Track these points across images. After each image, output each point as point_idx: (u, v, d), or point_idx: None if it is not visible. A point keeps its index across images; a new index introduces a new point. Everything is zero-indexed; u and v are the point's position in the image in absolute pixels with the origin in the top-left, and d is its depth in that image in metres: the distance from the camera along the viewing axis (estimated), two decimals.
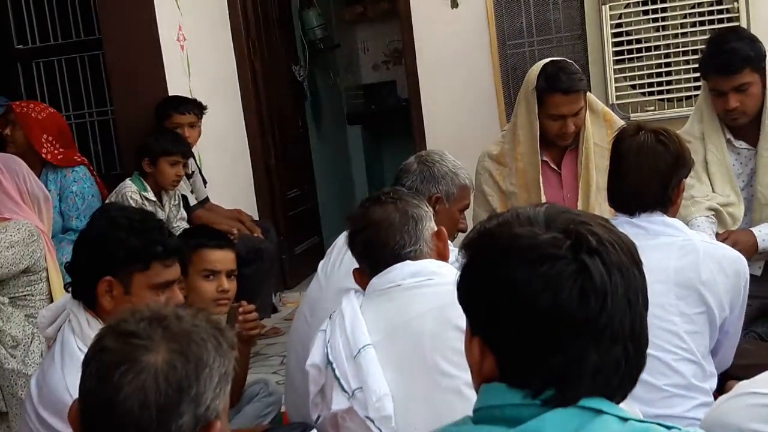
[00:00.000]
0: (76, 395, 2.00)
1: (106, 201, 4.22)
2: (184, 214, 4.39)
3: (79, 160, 4.36)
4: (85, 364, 1.30)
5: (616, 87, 4.78)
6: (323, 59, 7.12)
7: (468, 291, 1.19)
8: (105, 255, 2.12)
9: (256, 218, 5.09)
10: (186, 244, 2.49)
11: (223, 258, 2.83)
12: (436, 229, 2.16)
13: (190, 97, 4.65)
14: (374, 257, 2.09)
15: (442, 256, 2.15)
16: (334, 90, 7.46)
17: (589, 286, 1.08)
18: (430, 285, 1.99)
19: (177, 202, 4.39)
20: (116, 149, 5.39)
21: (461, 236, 2.80)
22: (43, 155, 4.22)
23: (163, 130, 4.35)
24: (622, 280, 1.09)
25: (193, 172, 4.52)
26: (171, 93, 4.59)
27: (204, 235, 2.93)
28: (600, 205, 3.26)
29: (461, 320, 1.82)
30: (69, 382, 2.05)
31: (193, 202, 4.57)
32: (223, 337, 1.30)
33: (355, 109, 7.77)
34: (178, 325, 1.28)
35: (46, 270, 3.81)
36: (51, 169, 4.30)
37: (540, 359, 1.10)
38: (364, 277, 2.11)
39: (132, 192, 4.16)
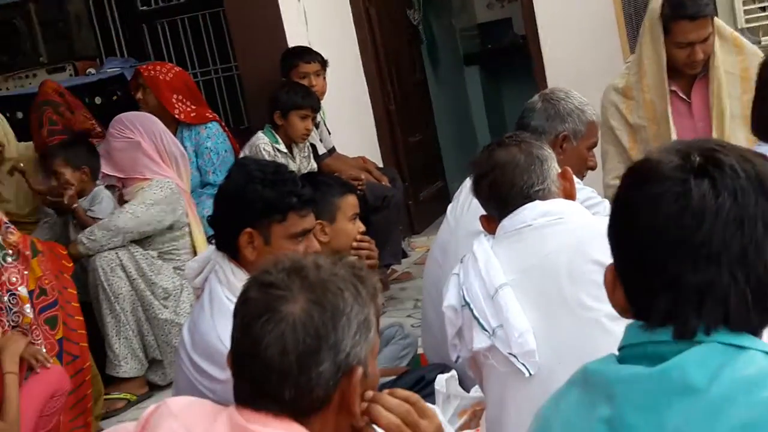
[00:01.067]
0: (226, 341, 2.12)
1: (240, 154, 4.36)
2: (314, 165, 4.49)
3: (210, 116, 4.51)
4: (234, 314, 1.37)
5: (744, 10, 4.56)
6: (437, 1, 7.06)
7: (609, 220, 1.20)
8: (244, 208, 2.21)
9: (380, 165, 5.15)
10: (332, 192, 2.60)
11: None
12: (560, 170, 2.15)
13: (312, 48, 4.72)
14: (502, 199, 2.09)
15: (570, 195, 2.14)
16: (449, 32, 7.40)
17: (685, 204, 1.08)
18: (561, 223, 2.00)
19: (307, 153, 4.49)
20: (242, 104, 5.53)
21: (591, 174, 2.78)
22: (176, 115, 4.37)
23: (290, 81, 4.44)
24: (734, 204, 1.08)
25: (318, 122, 4.61)
26: (291, 45, 4.67)
27: (334, 181, 3.00)
28: (735, 134, 3.16)
29: (599, 254, 1.83)
30: (219, 329, 2.16)
31: (321, 151, 4.67)
32: (362, 285, 1.34)
33: (472, 50, 7.68)
34: (316, 274, 1.32)
35: (189, 225, 3.99)
36: (185, 127, 4.47)
37: (646, 283, 1.11)
38: (491, 222, 2.12)
39: (265, 144, 4.28)
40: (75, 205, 3.81)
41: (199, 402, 1.41)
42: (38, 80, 4.97)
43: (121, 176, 3.91)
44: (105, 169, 3.89)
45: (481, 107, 7.60)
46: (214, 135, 4.46)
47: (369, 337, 1.33)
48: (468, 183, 2.61)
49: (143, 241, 3.86)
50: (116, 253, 3.73)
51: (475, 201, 2.24)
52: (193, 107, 4.46)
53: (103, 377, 3.55)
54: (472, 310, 1.94)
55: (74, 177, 3.86)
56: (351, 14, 5.40)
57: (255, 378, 1.30)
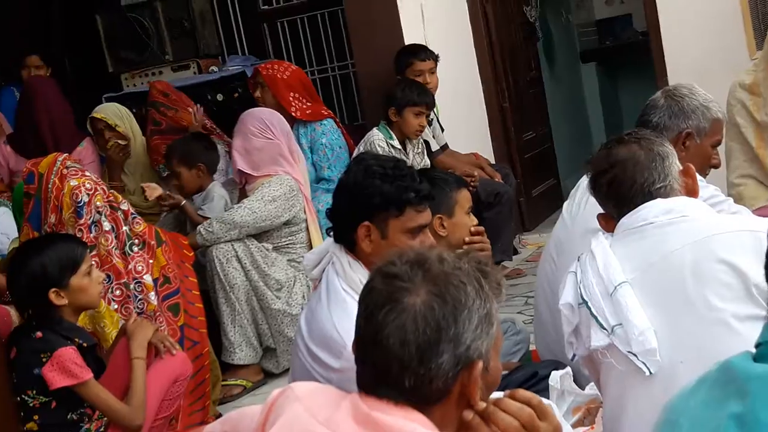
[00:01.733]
0: (341, 331, 2.18)
1: (355, 151, 4.42)
2: (428, 161, 4.52)
3: (326, 113, 4.60)
4: (359, 302, 1.40)
5: None
6: None
7: None
8: (362, 202, 2.24)
9: (493, 162, 5.14)
10: (449, 186, 2.64)
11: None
12: (681, 167, 2.10)
13: (426, 45, 4.75)
14: (621, 197, 2.06)
15: (692, 192, 2.09)
16: (566, 28, 7.30)
17: None
18: (685, 221, 1.95)
19: (420, 149, 4.52)
20: (357, 101, 5.61)
21: (714, 172, 2.70)
22: (293, 113, 4.47)
23: (406, 79, 4.48)
24: None
25: (431, 119, 4.63)
26: (407, 43, 4.71)
27: (448, 176, 3.02)
28: None
29: (726, 252, 1.79)
30: (335, 319, 2.21)
31: (435, 147, 4.69)
32: (486, 279, 1.35)
33: (589, 47, 7.57)
34: (439, 267, 1.34)
35: (306, 221, 4.07)
36: (301, 123, 4.56)
37: None
38: (609, 221, 2.09)
39: (379, 140, 4.33)
40: (183, 202, 4.00)
41: (323, 387, 1.44)
42: (164, 77, 5.16)
43: (254, 174, 4.00)
44: (240, 165, 3.98)
45: (597, 105, 7.48)
46: (329, 131, 4.54)
47: (491, 332, 1.34)
48: (585, 180, 2.58)
49: (261, 234, 3.96)
50: (232, 245, 3.84)
51: (592, 199, 2.21)
52: (309, 104, 4.56)
53: (220, 364, 3.66)
54: (590, 308, 1.92)
55: (190, 175, 4.02)
56: (467, 11, 5.41)
57: (376, 365, 1.33)
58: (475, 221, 2.88)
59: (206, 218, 3.94)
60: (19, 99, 5.00)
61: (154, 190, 3.88)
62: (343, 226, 2.32)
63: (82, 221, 3.13)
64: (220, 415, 3.42)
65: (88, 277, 2.76)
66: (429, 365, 1.29)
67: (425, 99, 4.37)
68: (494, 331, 1.35)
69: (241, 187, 4.10)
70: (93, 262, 2.84)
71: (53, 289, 2.72)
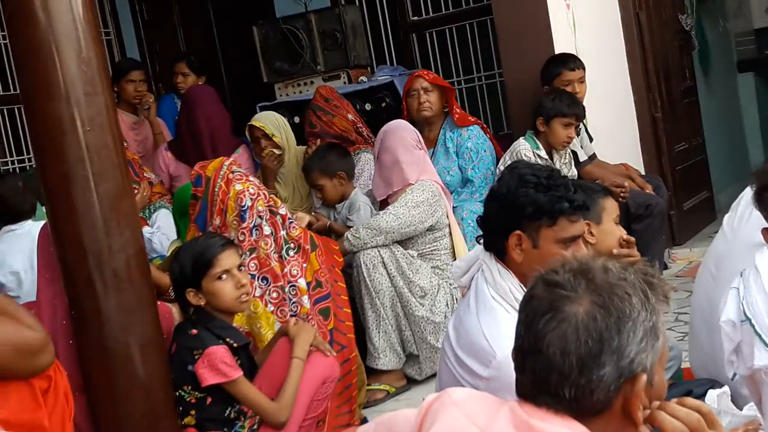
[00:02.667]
0: (490, 339, 2.17)
1: (501, 160, 4.41)
2: (575, 172, 4.46)
3: (472, 120, 4.62)
4: (519, 310, 1.40)
5: None
6: (711, 5, 6.75)
7: None
8: (514, 211, 2.23)
9: (643, 173, 5.01)
10: (597, 194, 2.59)
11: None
12: None
13: (574, 54, 4.69)
14: None
15: None
16: (723, 37, 7.04)
17: None
18: None
19: (567, 159, 4.47)
20: (503, 110, 5.59)
21: None
22: (454, 116, 4.54)
23: (557, 89, 4.44)
24: None
25: (579, 128, 4.56)
26: (558, 52, 4.66)
27: (594, 184, 2.96)
28: None
29: None
30: (484, 327, 2.21)
31: (582, 158, 4.62)
32: (652, 291, 1.32)
33: (747, 56, 7.27)
34: (603, 277, 1.32)
35: (449, 226, 4.10)
36: (449, 128, 4.60)
37: None
38: None
39: (526, 150, 4.31)
40: (329, 223, 4.12)
41: (480, 394, 1.45)
42: (314, 87, 5.29)
43: (407, 184, 4.05)
44: (411, 178, 4.00)
45: (754, 117, 7.18)
46: (474, 136, 4.56)
47: (656, 345, 1.31)
48: (748, 193, 2.49)
49: (405, 240, 4.00)
50: (378, 251, 3.89)
51: (756, 212, 2.14)
52: (458, 111, 4.60)
53: (365, 368, 3.72)
54: (753, 326, 1.85)
55: (332, 185, 4.11)
56: (620, 18, 5.30)
57: (536, 374, 1.32)
58: (624, 232, 2.82)
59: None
60: (181, 106, 5.24)
61: (302, 220, 3.98)
62: (493, 234, 2.31)
63: (244, 225, 3.24)
64: (365, 419, 3.48)
65: (219, 281, 2.81)
66: (590, 376, 1.28)
67: (575, 110, 4.31)
68: (660, 344, 1.32)
69: (383, 198, 4.15)
70: (233, 267, 2.85)
71: (190, 290, 2.83)
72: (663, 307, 1.33)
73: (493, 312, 2.24)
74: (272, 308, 3.25)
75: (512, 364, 2.03)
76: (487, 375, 2.17)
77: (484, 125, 4.72)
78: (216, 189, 3.28)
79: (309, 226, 4.06)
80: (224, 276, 2.82)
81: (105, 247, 2.64)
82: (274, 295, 3.26)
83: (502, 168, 4.23)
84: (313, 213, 4.26)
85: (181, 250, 2.96)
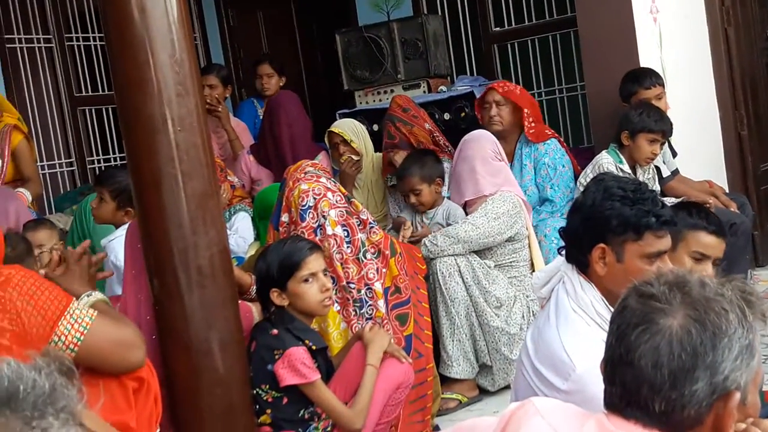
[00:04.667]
0: (570, 352, 2.15)
1: (582, 173, 4.37)
2: (658, 187, 4.39)
3: (549, 133, 4.58)
4: (611, 321, 1.38)
5: None
6: None
7: None
8: (599, 223, 2.20)
9: (727, 191, 4.91)
10: (684, 220, 2.50)
11: (716, 245, 2.65)
12: None
13: (659, 69, 4.62)
14: None
15: None
16: None
17: None
18: None
19: (651, 174, 4.41)
20: (585, 123, 5.54)
21: None
22: (526, 131, 4.50)
23: (645, 103, 4.37)
24: None
25: (663, 143, 4.50)
26: (642, 65, 4.60)
27: (702, 215, 2.83)
28: None
29: None
30: (564, 340, 2.19)
31: (665, 173, 4.55)
32: (750, 309, 1.30)
33: None
34: (700, 292, 1.30)
35: (528, 238, 4.08)
36: (524, 144, 4.57)
37: None
38: None
39: (608, 163, 4.26)
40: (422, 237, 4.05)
41: (565, 405, 1.43)
42: (394, 95, 5.32)
43: (481, 195, 4.06)
44: (485, 189, 4.03)
45: None
46: (552, 151, 4.51)
47: (751, 364, 1.29)
48: None
49: (484, 250, 3.99)
50: (455, 260, 3.89)
51: None
52: (534, 125, 4.56)
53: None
54: None
55: (430, 191, 4.10)
56: (708, 34, 5.21)
57: (625, 386, 1.30)
58: (707, 271, 2.75)
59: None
60: (264, 112, 5.33)
61: (408, 231, 3.99)
62: (576, 246, 2.28)
63: (304, 224, 3.26)
64: (437, 427, 3.48)
65: (305, 284, 2.85)
66: (682, 391, 1.26)
67: (662, 126, 4.25)
68: (755, 363, 1.29)
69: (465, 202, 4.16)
70: (319, 270, 2.89)
71: (274, 290, 2.87)
72: (760, 326, 1.31)
73: (574, 324, 2.21)
74: (338, 308, 3.28)
75: (592, 378, 2.02)
76: (565, 388, 2.14)
77: (560, 138, 4.68)
78: (286, 188, 3.34)
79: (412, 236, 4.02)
80: (310, 279, 2.87)
81: (191, 244, 2.70)
82: (339, 295, 3.29)
83: (583, 181, 4.20)
84: (392, 218, 4.27)
85: (269, 249, 3.00)
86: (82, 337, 2.10)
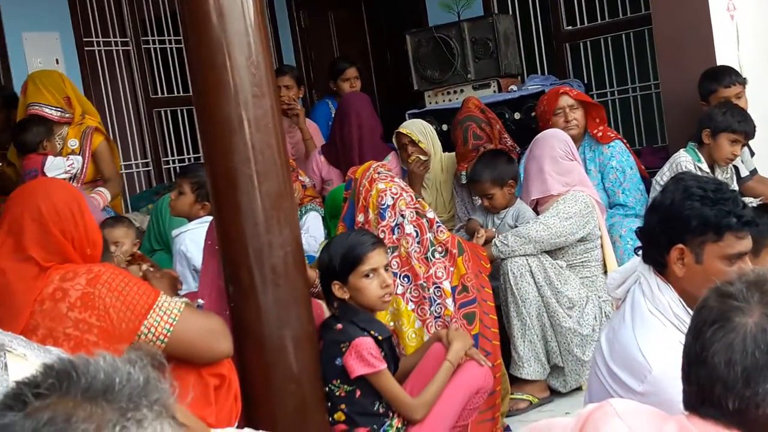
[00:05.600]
0: (647, 354, 2.12)
1: (659, 172, 4.31)
2: (736, 187, 4.31)
3: (613, 135, 4.53)
4: (691, 319, 1.38)
5: None
6: None
7: None
8: (678, 224, 2.17)
9: None
10: None
11: None
12: None
13: (737, 67, 4.53)
14: None
15: None
16: None
17: None
18: None
19: (729, 174, 4.33)
20: (659, 122, 5.45)
21: None
22: (595, 133, 4.47)
23: (729, 103, 4.28)
24: None
25: (744, 144, 4.40)
26: (719, 63, 4.51)
27: None
28: None
29: None
30: (639, 341, 2.16)
31: (744, 173, 4.46)
32: None
33: None
34: None
35: (601, 238, 4.03)
36: (588, 147, 4.53)
37: None
38: None
39: (687, 162, 4.20)
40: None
41: (644, 407, 1.43)
42: (464, 95, 5.32)
43: (549, 195, 4.04)
44: (553, 188, 4.01)
45: None
46: (618, 153, 4.47)
47: None
48: None
49: (556, 251, 3.96)
50: (526, 260, 3.86)
51: None
52: (600, 127, 4.52)
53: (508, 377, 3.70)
54: None
55: (502, 194, 4.09)
56: None
57: (700, 384, 1.30)
58: None
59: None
60: (336, 112, 5.38)
61: (481, 239, 3.99)
62: (654, 246, 2.25)
63: (384, 223, 3.29)
64: (507, 427, 3.47)
65: (366, 279, 2.85)
66: (756, 389, 1.25)
67: (745, 128, 4.17)
68: None
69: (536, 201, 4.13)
70: (380, 266, 2.88)
71: (336, 282, 2.89)
72: None
73: (650, 326, 2.19)
74: (413, 306, 3.29)
75: (668, 380, 2.00)
76: (641, 390, 2.12)
77: (623, 139, 4.62)
78: (360, 188, 3.37)
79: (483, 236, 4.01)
80: (371, 274, 2.87)
81: (265, 243, 2.74)
82: (415, 293, 3.30)
83: (659, 180, 4.14)
84: (460, 218, 4.26)
85: (333, 242, 3.03)
86: (171, 328, 2.16)
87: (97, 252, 2.23)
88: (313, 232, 4.65)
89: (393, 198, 3.31)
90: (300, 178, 4.91)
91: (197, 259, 3.52)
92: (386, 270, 2.91)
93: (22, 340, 1.72)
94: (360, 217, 3.35)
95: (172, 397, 0.85)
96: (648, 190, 4.40)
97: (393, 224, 3.30)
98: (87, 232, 2.24)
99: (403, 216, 3.30)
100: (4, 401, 0.82)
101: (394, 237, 3.29)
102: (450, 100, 5.59)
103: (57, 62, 5.74)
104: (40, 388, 0.81)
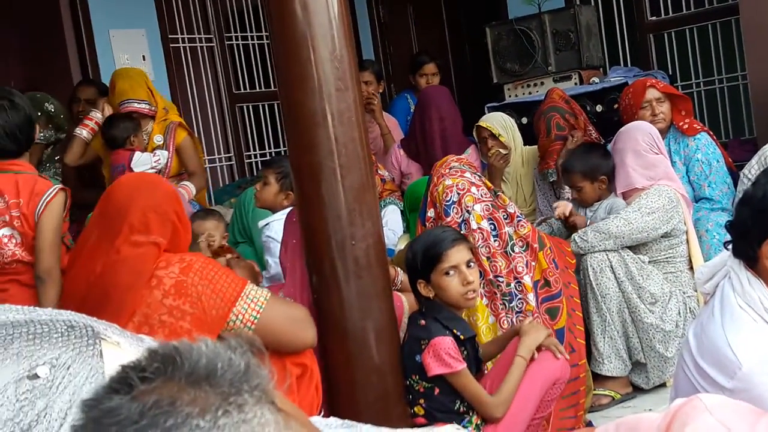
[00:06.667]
0: (736, 350, 2.08)
1: (747, 165, 4.19)
2: None
3: (699, 128, 4.42)
4: None
5: None
6: None
7: None
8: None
9: None
10: None
11: None
12: None
13: None
14: None
15: None
16: None
17: None
18: None
19: None
20: (746, 114, 5.31)
21: None
22: (681, 126, 4.37)
23: None
24: None
25: None
26: None
27: None
28: None
29: None
30: (729, 337, 2.12)
31: None
32: None
33: None
34: None
35: (686, 233, 3.95)
36: (672, 139, 4.43)
37: None
38: None
39: None
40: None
41: (735, 402, 1.40)
42: (544, 88, 5.27)
43: (633, 188, 3.98)
44: (638, 182, 3.95)
45: None
46: (703, 146, 4.37)
47: None
48: None
49: (639, 245, 3.90)
50: (606, 255, 3.80)
51: None
52: (686, 120, 4.42)
53: None
54: None
55: (592, 189, 4.02)
56: None
57: None
58: None
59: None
60: (416, 106, 5.39)
61: (565, 207, 3.95)
62: (744, 240, 2.20)
63: (449, 219, 3.27)
64: (590, 423, 3.43)
65: (447, 276, 2.83)
66: None
67: None
68: None
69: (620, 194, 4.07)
70: (461, 263, 2.86)
71: (420, 281, 2.88)
72: None
73: (740, 321, 2.14)
74: (486, 301, 3.27)
75: (759, 376, 1.96)
76: (731, 387, 2.08)
77: (709, 131, 4.50)
78: (431, 184, 3.36)
79: (567, 216, 3.96)
80: (451, 272, 2.84)
81: (348, 235, 2.77)
82: (486, 288, 3.29)
83: (747, 173, 4.03)
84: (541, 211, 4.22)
85: (416, 240, 3.04)
86: (258, 316, 2.21)
87: (188, 241, 2.30)
88: (392, 225, 4.67)
89: (459, 194, 3.29)
90: (379, 171, 4.94)
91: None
92: (468, 266, 2.87)
93: (116, 329, 1.78)
94: (430, 212, 3.36)
95: (271, 383, 0.86)
96: (735, 184, 4.29)
97: (459, 220, 3.28)
98: (185, 222, 2.33)
99: (469, 212, 3.28)
100: (111, 384, 0.84)
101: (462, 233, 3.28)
102: (530, 93, 5.54)
103: (144, 59, 5.89)
104: (146, 372, 0.83)
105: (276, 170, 3.95)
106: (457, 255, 2.85)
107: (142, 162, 4.62)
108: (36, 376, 1.41)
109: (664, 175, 3.96)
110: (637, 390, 3.89)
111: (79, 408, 0.82)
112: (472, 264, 2.91)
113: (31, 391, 1.38)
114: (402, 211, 4.75)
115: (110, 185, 2.69)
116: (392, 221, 4.70)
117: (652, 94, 4.41)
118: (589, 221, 3.98)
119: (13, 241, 3.15)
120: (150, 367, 0.83)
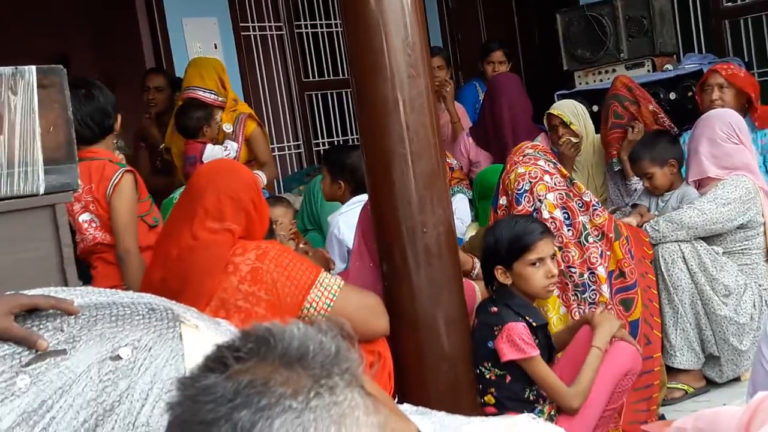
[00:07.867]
0: None
1: None
2: None
3: None
4: None
5: None
6: None
7: None
8: None
9: None
10: None
11: None
12: None
13: None
14: None
15: None
16: None
17: None
18: None
19: None
20: None
21: None
22: (754, 116, 4.27)
23: None
24: None
25: None
26: None
27: None
28: None
29: None
30: None
31: None
32: None
33: None
34: None
35: (764, 225, 3.85)
36: (750, 129, 4.31)
37: None
38: None
39: None
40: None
41: None
42: (616, 75, 5.18)
43: (718, 177, 3.89)
44: (710, 171, 3.87)
45: None
46: None
47: None
48: None
49: (713, 236, 3.82)
50: (678, 246, 3.72)
51: None
52: (758, 112, 4.32)
53: None
54: None
55: (662, 174, 3.95)
56: None
57: None
58: None
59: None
60: (485, 93, 5.35)
61: (631, 221, 3.91)
62: None
63: (520, 207, 3.23)
64: (662, 416, 3.38)
65: (532, 267, 2.84)
66: None
67: None
68: None
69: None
70: (547, 255, 2.87)
71: (499, 267, 2.88)
72: None
73: None
74: (557, 292, 3.24)
75: None
76: None
77: None
78: (504, 171, 3.34)
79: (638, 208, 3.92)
80: (538, 263, 2.86)
81: (419, 223, 2.77)
82: (558, 279, 3.24)
83: None
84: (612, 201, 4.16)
85: (500, 225, 3.01)
86: (331, 303, 2.23)
87: (264, 229, 2.34)
88: (460, 214, 4.65)
89: (531, 182, 3.25)
90: (447, 160, 4.92)
91: (351, 241, 3.58)
92: (552, 259, 2.90)
93: (194, 312, 1.82)
94: (502, 200, 3.33)
95: (360, 367, 0.87)
96: None
97: (531, 209, 3.24)
98: (261, 210, 2.36)
99: (541, 201, 3.25)
100: (206, 363, 0.86)
101: None
102: (601, 80, 5.46)
103: (215, 47, 5.97)
104: (240, 352, 0.85)
105: (325, 161, 3.96)
106: (545, 247, 2.88)
107: (214, 155, 4.68)
108: (118, 357, 1.44)
109: (742, 165, 3.86)
110: (711, 384, 3.81)
111: (175, 386, 0.84)
112: (555, 257, 2.95)
113: (114, 372, 1.41)
114: (470, 200, 4.73)
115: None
116: (460, 210, 4.68)
117: (714, 78, 4.31)
118: (659, 211, 3.92)
119: (93, 225, 3.28)
120: (244, 347, 0.85)
